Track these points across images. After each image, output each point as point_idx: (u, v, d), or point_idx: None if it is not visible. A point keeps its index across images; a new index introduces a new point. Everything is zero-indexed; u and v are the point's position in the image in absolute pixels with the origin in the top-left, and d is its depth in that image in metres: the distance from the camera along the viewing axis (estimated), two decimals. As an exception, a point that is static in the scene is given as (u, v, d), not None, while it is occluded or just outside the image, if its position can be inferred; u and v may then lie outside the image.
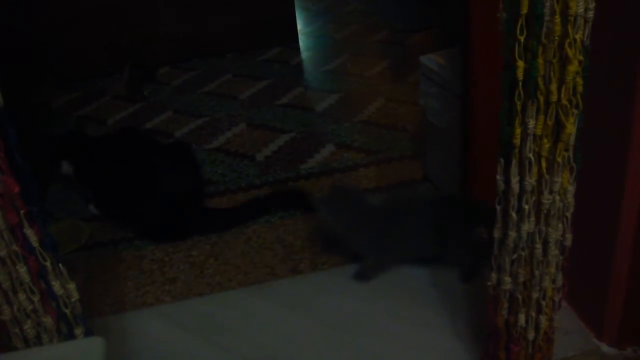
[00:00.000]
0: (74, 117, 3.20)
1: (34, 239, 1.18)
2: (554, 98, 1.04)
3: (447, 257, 1.82)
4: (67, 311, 1.28)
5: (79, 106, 3.34)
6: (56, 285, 1.24)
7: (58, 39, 3.43)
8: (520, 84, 1.05)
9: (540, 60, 1.02)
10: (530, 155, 1.10)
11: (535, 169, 1.11)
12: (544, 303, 1.26)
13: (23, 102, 2.57)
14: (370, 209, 1.87)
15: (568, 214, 1.18)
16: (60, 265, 1.24)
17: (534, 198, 1.15)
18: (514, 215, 1.17)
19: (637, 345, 1.57)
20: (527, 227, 1.17)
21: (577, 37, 0.99)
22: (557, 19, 0.98)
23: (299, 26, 4.14)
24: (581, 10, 0.97)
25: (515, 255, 1.22)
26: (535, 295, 1.25)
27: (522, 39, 1.01)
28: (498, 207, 1.21)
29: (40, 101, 3.08)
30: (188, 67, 3.78)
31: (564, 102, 1.04)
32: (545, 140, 1.08)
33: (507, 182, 1.16)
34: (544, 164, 1.11)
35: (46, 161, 2.33)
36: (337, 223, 1.85)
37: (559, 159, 1.10)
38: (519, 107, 1.07)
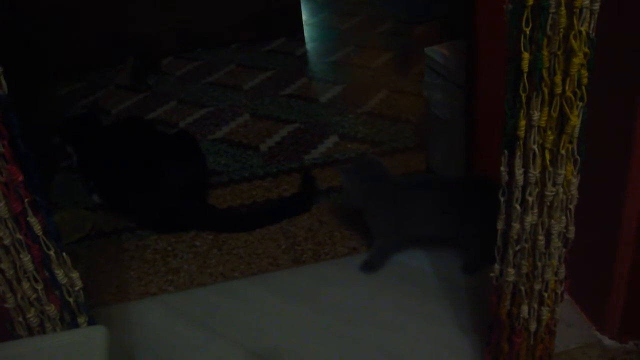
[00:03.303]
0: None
1: (37, 228, 1.18)
2: (559, 90, 1.04)
3: (464, 239, 1.82)
4: (71, 300, 1.28)
5: (83, 96, 3.34)
6: (60, 274, 1.24)
7: (62, 28, 3.43)
8: (525, 75, 1.04)
9: (545, 52, 1.01)
10: (535, 147, 1.10)
11: (539, 161, 1.11)
12: (546, 295, 1.26)
13: (27, 91, 2.57)
14: (390, 184, 1.87)
15: (571, 207, 1.17)
16: (64, 254, 1.25)
17: (537, 190, 1.15)
18: (517, 207, 1.17)
19: (638, 338, 1.57)
20: (531, 219, 1.17)
21: (583, 29, 0.98)
22: (563, 11, 0.98)
23: (304, 17, 4.13)
24: (587, 2, 0.96)
25: (518, 247, 1.22)
26: (537, 287, 1.25)
27: (527, 30, 1.01)
28: (502, 199, 1.21)
29: (44, 91, 3.08)
30: (192, 57, 3.77)
31: (569, 94, 1.04)
32: (549, 132, 1.08)
33: (511, 174, 1.16)
34: (547, 156, 1.11)
35: (52, 146, 2.34)
36: (356, 193, 1.86)
37: (563, 151, 1.09)
38: (523, 99, 1.07)
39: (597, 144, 1.19)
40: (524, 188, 1.15)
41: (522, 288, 1.26)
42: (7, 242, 1.16)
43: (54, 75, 3.45)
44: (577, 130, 1.08)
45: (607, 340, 1.57)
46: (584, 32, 0.99)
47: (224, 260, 2.00)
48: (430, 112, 2.17)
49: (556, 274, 1.25)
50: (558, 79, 1.03)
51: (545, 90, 1.05)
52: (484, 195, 1.68)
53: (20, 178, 1.14)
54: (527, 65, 1.03)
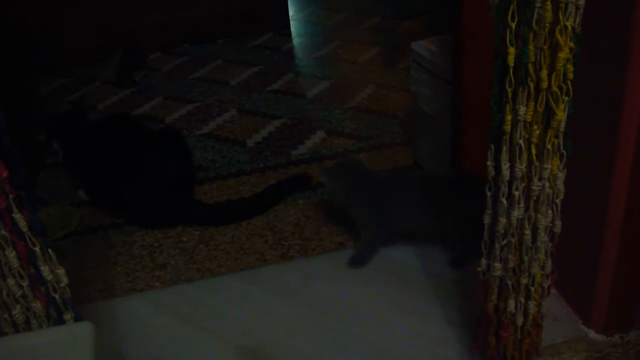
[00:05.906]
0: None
1: (22, 224, 1.17)
2: (545, 85, 1.04)
3: (449, 234, 1.83)
4: (57, 296, 1.27)
5: (69, 92, 3.32)
6: (45, 270, 1.23)
7: (48, 23, 3.41)
8: (511, 70, 1.05)
9: (531, 47, 1.02)
10: (521, 141, 1.10)
11: (525, 156, 1.12)
12: (532, 289, 1.27)
13: (12, 87, 2.55)
14: (374, 180, 1.88)
15: (558, 201, 1.18)
16: (50, 250, 1.24)
17: (523, 184, 1.15)
18: (504, 201, 1.17)
19: (624, 332, 1.58)
20: (517, 213, 1.17)
21: (568, 24, 0.99)
22: (548, 6, 0.98)
23: (291, 12, 4.13)
24: (572, -4, 0.97)
25: (504, 242, 1.22)
26: (524, 281, 1.25)
27: (513, 25, 1.01)
28: (488, 194, 1.21)
29: (30, 87, 3.06)
30: (179, 53, 3.76)
31: (555, 88, 1.04)
32: (535, 127, 1.08)
33: (498, 168, 1.16)
34: (534, 151, 1.11)
35: (37, 142, 2.33)
36: (340, 192, 1.88)
37: (549, 146, 1.10)
38: (509, 94, 1.07)
39: (583, 138, 1.20)
40: (510, 182, 1.16)
41: (509, 282, 1.27)
42: (-8, 238, 1.16)
43: (40, 71, 3.42)
44: (563, 125, 1.08)
45: (593, 334, 1.57)
46: (569, 27, 0.99)
47: (211, 256, 1.99)
48: (417, 107, 2.17)
49: (543, 268, 1.25)
50: (544, 73, 1.03)
51: (531, 84, 1.05)
52: (469, 191, 1.70)
53: (5, 174, 1.13)
54: (513, 60, 1.04)
